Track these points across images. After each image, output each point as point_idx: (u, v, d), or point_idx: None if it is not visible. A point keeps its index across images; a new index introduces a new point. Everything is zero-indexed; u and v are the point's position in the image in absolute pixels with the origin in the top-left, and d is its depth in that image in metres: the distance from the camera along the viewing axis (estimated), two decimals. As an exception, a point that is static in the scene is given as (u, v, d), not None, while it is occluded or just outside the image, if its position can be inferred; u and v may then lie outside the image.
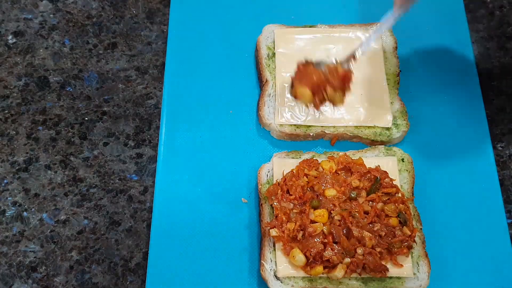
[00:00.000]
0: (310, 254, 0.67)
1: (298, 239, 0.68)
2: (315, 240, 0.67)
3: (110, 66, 0.88)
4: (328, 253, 0.66)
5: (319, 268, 0.67)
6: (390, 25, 0.71)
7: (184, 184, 0.77)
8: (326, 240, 0.67)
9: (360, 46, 0.72)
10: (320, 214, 0.68)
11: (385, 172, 0.73)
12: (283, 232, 0.68)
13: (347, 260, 0.67)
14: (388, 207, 0.70)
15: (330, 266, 0.67)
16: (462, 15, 0.91)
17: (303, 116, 0.79)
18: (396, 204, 0.70)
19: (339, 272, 0.66)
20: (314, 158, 0.75)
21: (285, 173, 0.73)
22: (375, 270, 0.67)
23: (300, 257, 0.67)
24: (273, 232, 0.69)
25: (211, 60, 0.87)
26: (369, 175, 0.72)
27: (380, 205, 0.70)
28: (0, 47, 0.89)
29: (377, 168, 0.73)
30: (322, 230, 0.68)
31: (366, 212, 0.69)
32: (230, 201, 0.76)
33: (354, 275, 0.68)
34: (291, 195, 0.70)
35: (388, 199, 0.71)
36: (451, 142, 0.81)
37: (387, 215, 0.70)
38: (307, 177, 0.72)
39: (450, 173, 0.78)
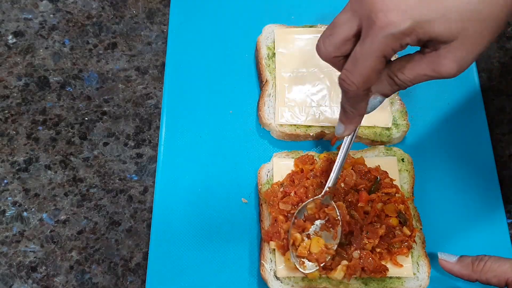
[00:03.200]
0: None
1: (291, 243, 0.68)
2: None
3: (110, 66, 0.88)
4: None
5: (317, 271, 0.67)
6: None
7: (184, 184, 0.77)
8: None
9: (330, 180, 0.68)
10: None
11: (385, 172, 0.73)
12: (282, 240, 0.68)
13: (345, 262, 0.67)
14: (388, 207, 0.70)
15: (328, 268, 0.67)
16: (462, 15, 0.91)
17: (303, 116, 0.79)
18: (396, 204, 0.70)
19: (338, 274, 0.66)
20: (309, 154, 0.75)
21: (283, 178, 0.73)
22: (375, 271, 0.67)
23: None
24: (272, 245, 0.69)
25: (211, 60, 0.87)
26: (369, 175, 0.72)
27: (380, 205, 0.70)
28: (0, 47, 0.89)
29: (377, 168, 0.73)
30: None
31: (366, 212, 0.69)
32: (230, 201, 0.76)
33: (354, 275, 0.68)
34: (288, 195, 0.71)
35: (388, 199, 0.71)
36: (451, 142, 0.81)
37: (387, 215, 0.70)
38: (303, 172, 0.72)
39: (450, 173, 0.78)
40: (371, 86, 0.55)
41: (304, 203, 0.69)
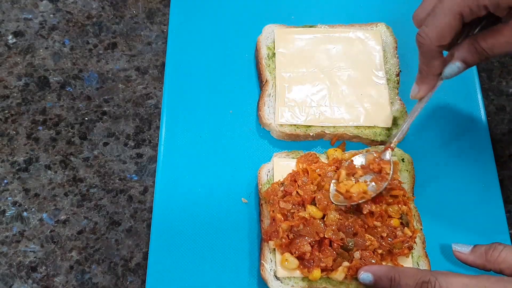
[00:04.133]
0: (302, 256, 0.66)
1: (289, 238, 0.68)
2: (305, 238, 0.67)
3: (110, 66, 0.88)
4: (324, 259, 0.66)
5: (317, 272, 0.66)
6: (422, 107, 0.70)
7: (184, 184, 0.77)
8: (314, 242, 0.67)
9: (394, 136, 0.72)
10: (314, 211, 0.68)
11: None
12: (281, 239, 0.68)
13: (346, 263, 0.67)
14: (392, 208, 0.70)
15: (329, 269, 0.67)
16: (462, 15, 0.91)
17: (303, 116, 0.79)
18: (400, 206, 0.70)
19: (339, 275, 0.66)
20: (312, 152, 0.75)
21: (284, 177, 0.73)
22: None
23: (292, 260, 0.67)
24: (272, 245, 0.69)
25: (211, 60, 0.87)
26: None
27: (384, 206, 0.69)
28: (0, 47, 0.89)
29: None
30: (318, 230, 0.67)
31: (371, 213, 0.69)
32: (230, 201, 0.76)
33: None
34: (289, 194, 0.71)
35: (392, 200, 0.71)
36: (451, 142, 0.81)
37: (389, 216, 0.70)
38: (307, 174, 0.72)
39: (450, 173, 0.78)
40: (444, 44, 0.60)
41: (367, 152, 0.73)
